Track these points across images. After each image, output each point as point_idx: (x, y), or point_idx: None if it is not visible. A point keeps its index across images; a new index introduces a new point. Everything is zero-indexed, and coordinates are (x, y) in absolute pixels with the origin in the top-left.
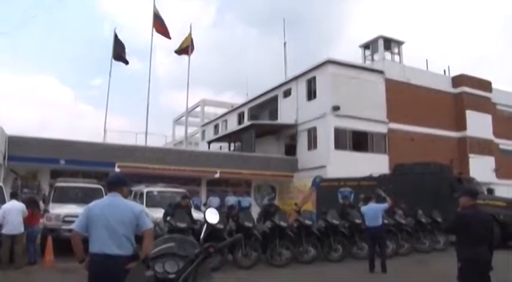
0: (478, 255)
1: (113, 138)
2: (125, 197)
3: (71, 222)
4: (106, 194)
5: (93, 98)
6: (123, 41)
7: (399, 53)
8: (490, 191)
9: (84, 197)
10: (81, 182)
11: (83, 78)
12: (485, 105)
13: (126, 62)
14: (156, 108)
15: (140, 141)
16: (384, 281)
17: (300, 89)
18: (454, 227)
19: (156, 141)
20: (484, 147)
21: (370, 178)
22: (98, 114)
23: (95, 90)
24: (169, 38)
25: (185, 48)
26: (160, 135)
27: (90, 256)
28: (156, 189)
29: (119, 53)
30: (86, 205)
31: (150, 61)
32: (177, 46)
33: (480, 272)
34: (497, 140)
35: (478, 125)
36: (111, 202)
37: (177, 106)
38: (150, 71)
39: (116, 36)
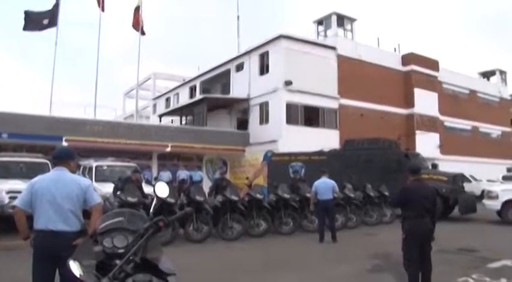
0: (421, 226)
1: (60, 111)
2: (73, 171)
3: (15, 198)
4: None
5: (38, 69)
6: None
7: (352, 30)
8: (435, 166)
9: (28, 172)
10: (25, 157)
11: (27, 48)
12: (432, 84)
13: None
14: (106, 80)
15: (89, 115)
16: (333, 251)
17: (252, 63)
18: (399, 200)
19: (105, 114)
20: (430, 124)
21: (320, 153)
22: (43, 86)
23: (41, 60)
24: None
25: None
26: (110, 108)
27: (34, 233)
28: (105, 163)
29: (40, 19)
30: (30, 180)
31: (99, 31)
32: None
33: (422, 242)
34: (442, 118)
35: (425, 102)
36: (57, 176)
37: (128, 79)
38: (99, 41)
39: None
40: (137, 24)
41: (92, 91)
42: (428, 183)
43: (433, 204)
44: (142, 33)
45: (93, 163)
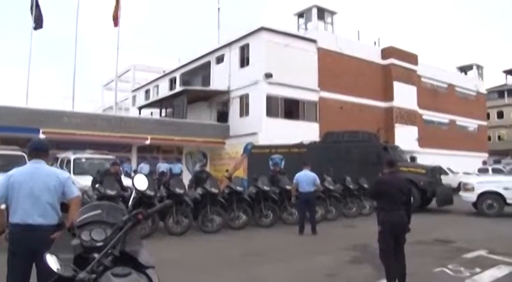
0: (395, 218)
1: (37, 103)
2: (51, 164)
3: None
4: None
5: (14, 61)
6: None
7: (332, 23)
8: (413, 159)
9: (4, 164)
10: (1, 149)
11: (2, 38)
12: (411, 77)
13: (41, 26)
14: (84, 72)
15: (67, 107)
16: (313, 243)
17: (233, 56)
18: (374, 191)
19: (84, 106)
20: (408, 117)
21: (300, 145)
22: (19, 77)
23: (16, 51)
24: None
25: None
26: (89, 100)
27: (10, 227)
28: (84, 156)
29: (38, 16)
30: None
31: (77, 21)
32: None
33: (397, 233)
34: (421, 111)
35: (404, 96)
36: (34, 169)
37: (107, 70)
38: (76, 32)
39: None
40: (116, 17)
41: (70, 83)
42: (404, 175)
43: (407, 196)
44: (116, 24)
45: (72, 156)
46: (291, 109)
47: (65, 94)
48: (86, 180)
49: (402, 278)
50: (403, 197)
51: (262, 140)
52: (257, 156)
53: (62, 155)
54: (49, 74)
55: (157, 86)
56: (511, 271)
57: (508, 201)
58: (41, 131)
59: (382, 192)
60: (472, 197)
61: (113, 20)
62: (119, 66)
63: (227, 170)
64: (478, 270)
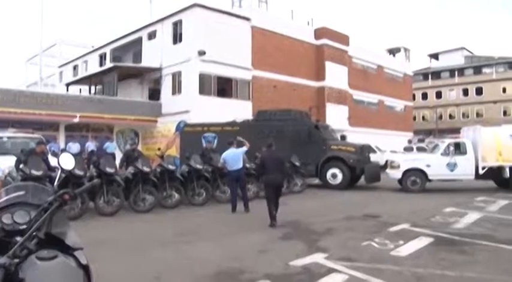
0: (271, 179)
1: None
2: None
3: None
4: None
5: None
6: None
7: (266, 2)
8: (343, 138)
9: None
10: None
11: None
12: (342, 58)
13: None
14: (5, 45)
15: None
16: (246, 220)
17: (165, 32)
18: (259, 164)
19: (5, 82)
20: (339, 96)
21: (233, 123)
22: None
23: None
24: None
25: None
26: (10, 75)
27: None
28: (5, 135)
29: None
30: None
31: None
32: None
33: (273, 188)
34: (351, 91)
35: (336, 76)
36: None
37: (31, 44)
38: None
39: None
40: None
41: None
42: (338, 153)
43: (280, 165)
44: None
45: None
46: (224, 87)
47: None
48: (9, 161)
49: (276, 210)
50: (278, 165)
51: (195, 118)
52: (190, 134)
53: None
54: None
55: (86, 62)
56: (430, 242)
57: (430, 177)
58: None
59: (264, 163)
60: (397, 174)
61: None
62: (44, 40)
63: (159, 149)
64: (401, 242)
